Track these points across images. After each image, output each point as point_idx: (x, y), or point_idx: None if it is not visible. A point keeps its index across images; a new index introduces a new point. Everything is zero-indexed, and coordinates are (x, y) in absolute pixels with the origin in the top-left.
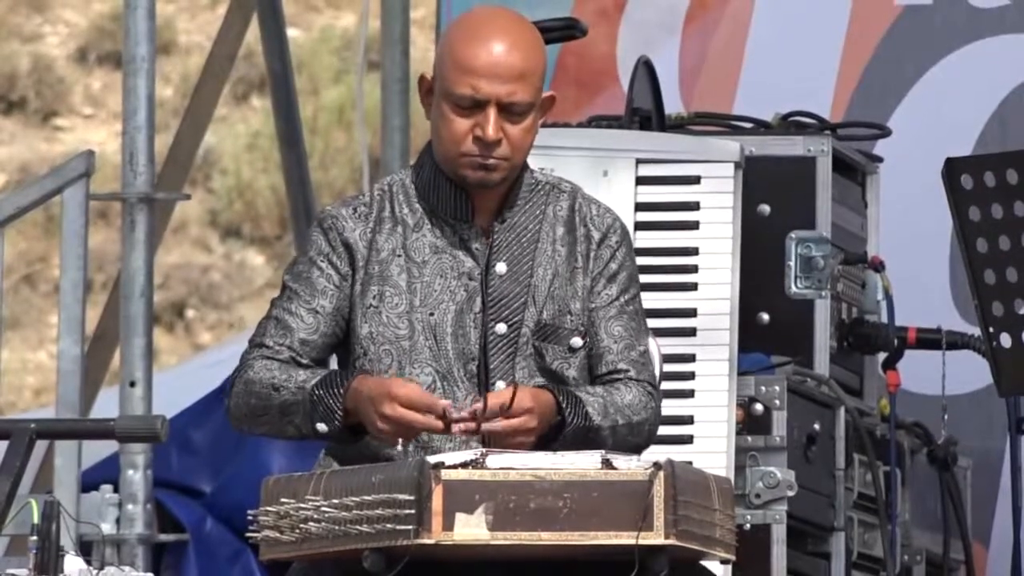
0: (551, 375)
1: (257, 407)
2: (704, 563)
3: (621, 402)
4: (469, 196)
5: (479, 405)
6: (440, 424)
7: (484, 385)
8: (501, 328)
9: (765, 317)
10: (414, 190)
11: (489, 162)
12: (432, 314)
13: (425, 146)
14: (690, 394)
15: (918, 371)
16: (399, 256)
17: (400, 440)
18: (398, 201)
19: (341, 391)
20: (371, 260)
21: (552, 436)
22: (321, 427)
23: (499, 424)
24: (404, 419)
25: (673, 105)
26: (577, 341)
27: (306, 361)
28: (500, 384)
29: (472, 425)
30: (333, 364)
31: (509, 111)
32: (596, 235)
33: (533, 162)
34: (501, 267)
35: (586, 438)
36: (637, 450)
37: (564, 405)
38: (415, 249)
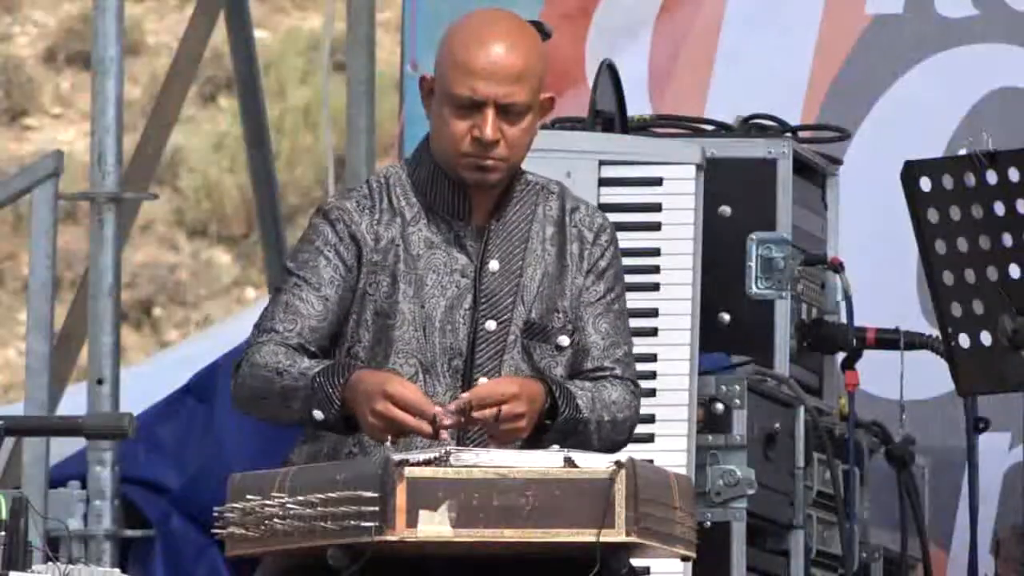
0: (539, 373)
1: (260, 390)
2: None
3: (608, 399)
4: (468, 195)
5: (465, 397)
6: (429, 429)
7: (467, 381)
8: (491, 325)
9: (726, 317)
10: (411, 184)
11: (487, 163)
12: (423, 307)
13: (422, 142)
14: (651, 393)
15: (881, 375)
16: (397, 246)
17: (389, 437)
18: (396, 193)
19: (341, 381)
20: (374, 250)
21: (543, 427)
22: (317, 414)
23: (489, 410)
24: (395, 419)
25: (643, 108)
26: (564, 340)
27: (314, 348)
28: (483, 381)
29: (463, 419)
30: None
31: (507, 112)
32: (589, 235)
33: None
34: (494, 264)
35: (575, 431)
36: (617, 447)
37: (557, 394)
38: (410, 242)
